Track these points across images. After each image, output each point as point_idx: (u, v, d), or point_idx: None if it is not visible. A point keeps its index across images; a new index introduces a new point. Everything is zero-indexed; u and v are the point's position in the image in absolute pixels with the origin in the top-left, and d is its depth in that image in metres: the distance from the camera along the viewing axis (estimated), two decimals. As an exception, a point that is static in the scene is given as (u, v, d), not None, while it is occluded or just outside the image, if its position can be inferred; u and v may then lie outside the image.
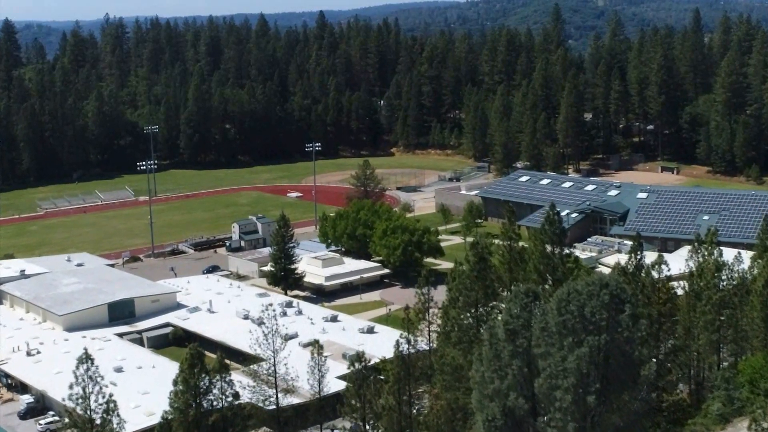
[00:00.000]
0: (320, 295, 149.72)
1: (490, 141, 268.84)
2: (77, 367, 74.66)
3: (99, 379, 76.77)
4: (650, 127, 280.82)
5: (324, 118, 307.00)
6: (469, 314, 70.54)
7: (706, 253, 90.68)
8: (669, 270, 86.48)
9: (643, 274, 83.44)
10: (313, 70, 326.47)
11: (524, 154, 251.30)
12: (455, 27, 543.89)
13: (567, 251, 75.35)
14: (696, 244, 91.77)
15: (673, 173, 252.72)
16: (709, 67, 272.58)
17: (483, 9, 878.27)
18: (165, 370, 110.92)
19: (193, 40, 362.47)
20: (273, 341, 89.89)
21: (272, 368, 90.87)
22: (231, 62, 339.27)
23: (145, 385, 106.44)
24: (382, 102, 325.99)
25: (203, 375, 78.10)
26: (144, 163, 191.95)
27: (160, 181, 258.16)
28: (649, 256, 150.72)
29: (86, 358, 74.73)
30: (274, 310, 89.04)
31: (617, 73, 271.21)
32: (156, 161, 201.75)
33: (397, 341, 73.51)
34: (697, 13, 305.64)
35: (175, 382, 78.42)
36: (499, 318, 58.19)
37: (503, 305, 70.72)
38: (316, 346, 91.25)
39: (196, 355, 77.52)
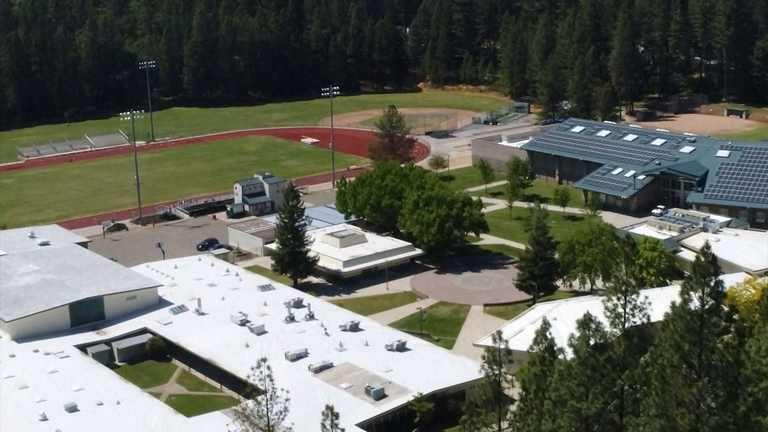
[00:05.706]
0: (337, 283, 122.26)
1: (530, 77, 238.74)
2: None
3: None
4: (713, 62, 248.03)
5: (344, 49, 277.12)
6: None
7: None
8: None
9: None
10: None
11: (571, 95, 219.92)
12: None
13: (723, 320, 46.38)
14: None
15: (741, 117, 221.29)
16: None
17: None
18: (132, 408, 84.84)
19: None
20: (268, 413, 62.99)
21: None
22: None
23: (102, 437, 79.98)
24: (408, 31, 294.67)
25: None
26: (129, 112, 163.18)
27: (160, 122, 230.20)
28: (739, 238, 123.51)
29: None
30: (271, 377, 61.50)
31: (678, 1, 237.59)
32: (145, 105, 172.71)
33: None
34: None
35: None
36: None
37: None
38: (330, 415, 64.36)
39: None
